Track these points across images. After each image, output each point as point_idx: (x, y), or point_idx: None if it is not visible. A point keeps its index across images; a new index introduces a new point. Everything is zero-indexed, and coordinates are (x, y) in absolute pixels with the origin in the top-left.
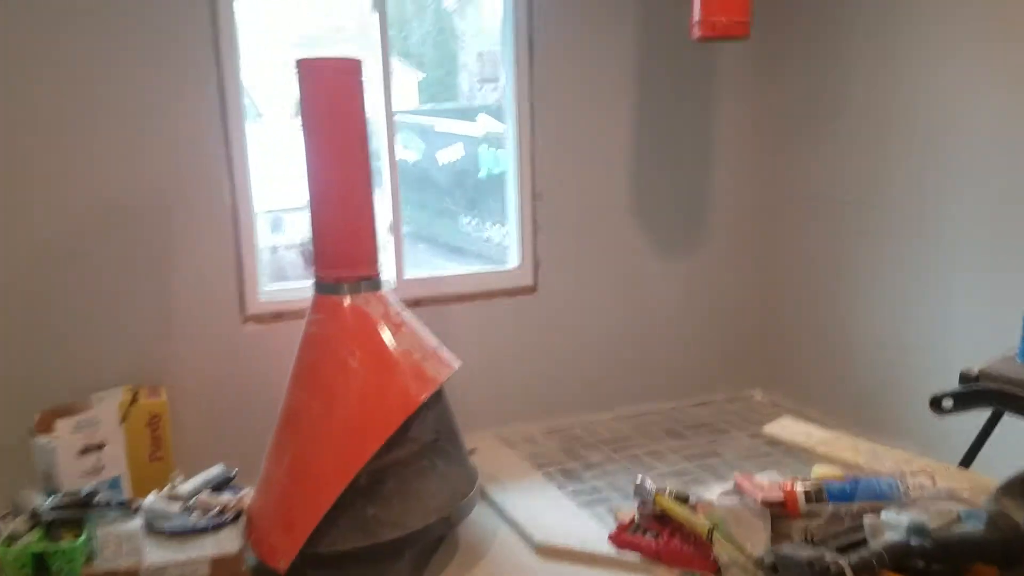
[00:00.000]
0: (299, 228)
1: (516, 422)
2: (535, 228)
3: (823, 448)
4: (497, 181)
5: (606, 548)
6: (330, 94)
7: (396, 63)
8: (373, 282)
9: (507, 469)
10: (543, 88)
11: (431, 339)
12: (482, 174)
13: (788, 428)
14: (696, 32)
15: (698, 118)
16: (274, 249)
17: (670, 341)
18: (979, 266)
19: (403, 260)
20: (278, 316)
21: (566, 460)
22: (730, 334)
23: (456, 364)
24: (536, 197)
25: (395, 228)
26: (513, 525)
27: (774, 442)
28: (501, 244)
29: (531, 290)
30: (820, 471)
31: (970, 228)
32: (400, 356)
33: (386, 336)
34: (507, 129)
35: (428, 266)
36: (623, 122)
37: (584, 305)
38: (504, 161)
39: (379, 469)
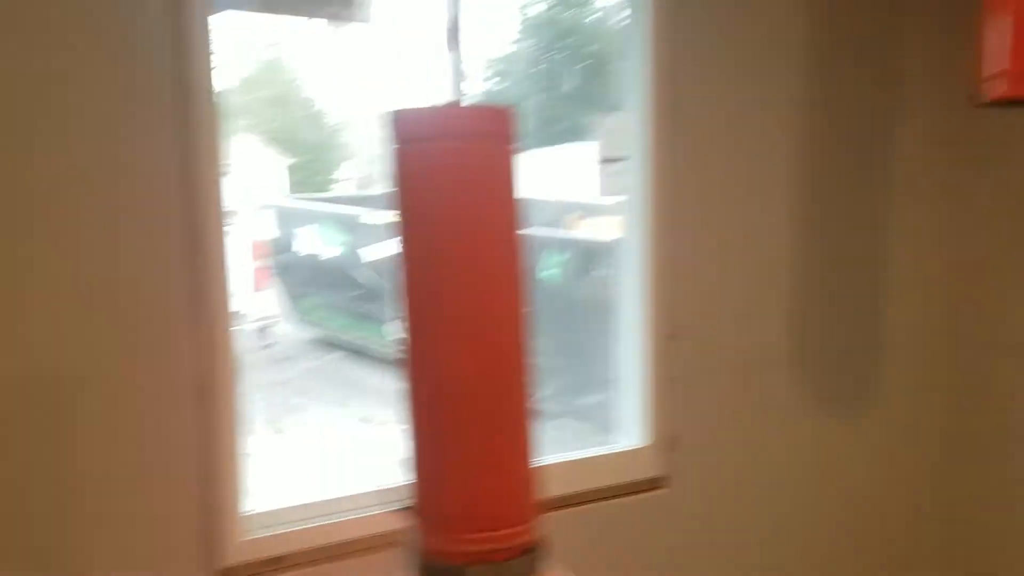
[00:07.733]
0: None
1: None
2: (666, 384)
3: None
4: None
5: None
6: (468, 181)
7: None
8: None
9: None
10: (688, 170)
11: None
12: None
13: None
14: (994, 90)
15: (874, 231)
16: None
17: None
18: None
19: None
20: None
21: None
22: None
23: None
24: (671, 337)
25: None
26: None
27: None
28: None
29: (657, 484)
30: None
31: None
32: None
33: None
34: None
35: None
36: (780, 221)
37: (744, 500)
38: None
39: None
